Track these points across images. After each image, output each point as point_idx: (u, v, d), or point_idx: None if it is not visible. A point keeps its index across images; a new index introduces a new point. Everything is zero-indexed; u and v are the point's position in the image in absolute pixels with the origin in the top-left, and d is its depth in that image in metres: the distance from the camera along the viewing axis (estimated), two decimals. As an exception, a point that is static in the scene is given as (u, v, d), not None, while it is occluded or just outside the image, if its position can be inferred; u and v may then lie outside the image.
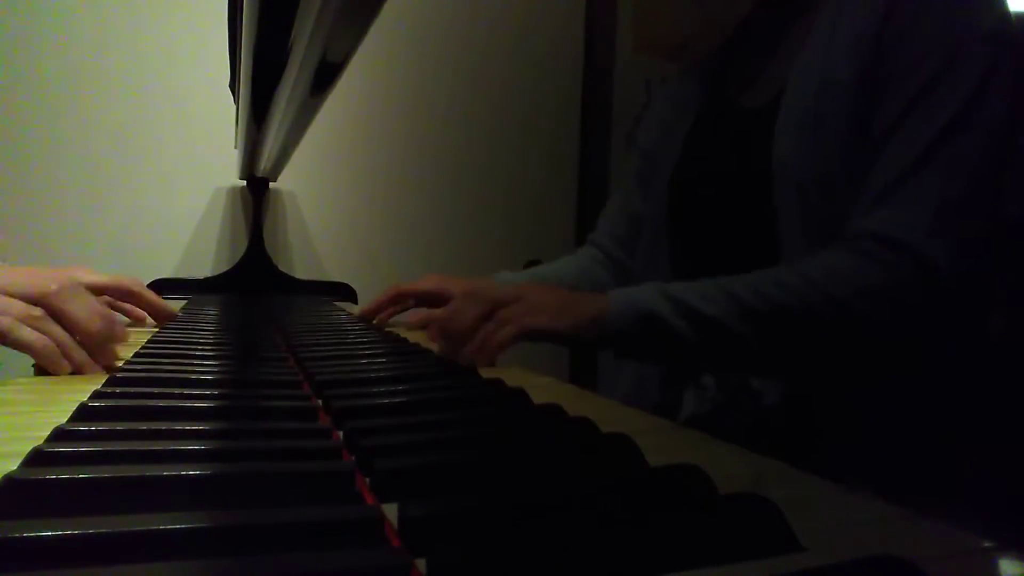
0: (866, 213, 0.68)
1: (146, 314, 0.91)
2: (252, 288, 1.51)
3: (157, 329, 0.79)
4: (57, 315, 0.57)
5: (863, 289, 0.65)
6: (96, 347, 0.58)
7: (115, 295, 0.85)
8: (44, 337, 0.55)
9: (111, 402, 0.38)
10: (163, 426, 0.34)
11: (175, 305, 1.17)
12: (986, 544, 0.24)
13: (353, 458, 0.32)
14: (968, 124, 0.66)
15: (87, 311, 0.58)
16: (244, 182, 1.59)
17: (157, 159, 1.55)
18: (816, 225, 0.72)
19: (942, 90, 0.66)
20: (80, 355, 0.57)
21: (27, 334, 0.54)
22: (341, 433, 0.36)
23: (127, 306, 0.91)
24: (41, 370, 0.56)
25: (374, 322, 0.98)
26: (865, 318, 0.65)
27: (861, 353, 0.69)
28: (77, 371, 0.56)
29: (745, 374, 0.79)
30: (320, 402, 0.43)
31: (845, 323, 0.66)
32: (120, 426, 0.33)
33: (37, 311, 0.56)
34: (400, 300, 1.00)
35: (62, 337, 0.56)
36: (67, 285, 0.58)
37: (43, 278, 0.57)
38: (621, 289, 0.71)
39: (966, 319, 0.73)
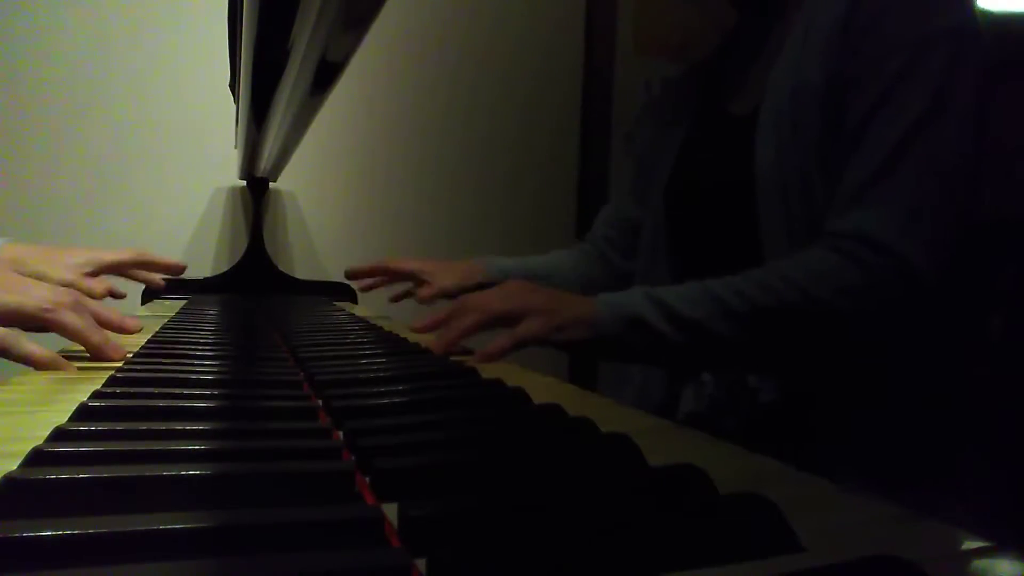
0: (842, 214, 0.68)
1: (161, 280, 0.94)
2: (252, 288, 1.51)
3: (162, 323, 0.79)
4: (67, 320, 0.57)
5: (844, 288, 0.65)
6: (118, 328, 0.61)
7: (131, 266, 0.88)
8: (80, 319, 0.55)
9: (111, 402, 0.38)
10: (163, 426, 0.34)
11: (175, 305, 1.17)
12: (986, 544, 0.24)
13: (353, 458, 0.32)
14: (933, 123, 0.66)
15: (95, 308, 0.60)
16: (244, 182, 1.59)
17: (157, 159, 1.55)
18: (798, 227, 0.72)
19: (906, 90, 0.67)
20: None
21: (71, 318, 0.54)
22: (341, 433, 0.36)
23: (143, 274, 0.94)
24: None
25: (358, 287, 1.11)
26: (847, 317, 0.66)
27: (843, 351, 0.69)
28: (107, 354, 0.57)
29: (733, 373, 0.80)
30: (320, 402, 0.43)
31: (827, 322, 0.66)
32: (120, 426, 0.33)
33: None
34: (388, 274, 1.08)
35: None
36: (65, 298, 0.57)
37: (40, 289, 0.56)
38: (609, 293, 0.72)
39: (962, 317, 0.73)
